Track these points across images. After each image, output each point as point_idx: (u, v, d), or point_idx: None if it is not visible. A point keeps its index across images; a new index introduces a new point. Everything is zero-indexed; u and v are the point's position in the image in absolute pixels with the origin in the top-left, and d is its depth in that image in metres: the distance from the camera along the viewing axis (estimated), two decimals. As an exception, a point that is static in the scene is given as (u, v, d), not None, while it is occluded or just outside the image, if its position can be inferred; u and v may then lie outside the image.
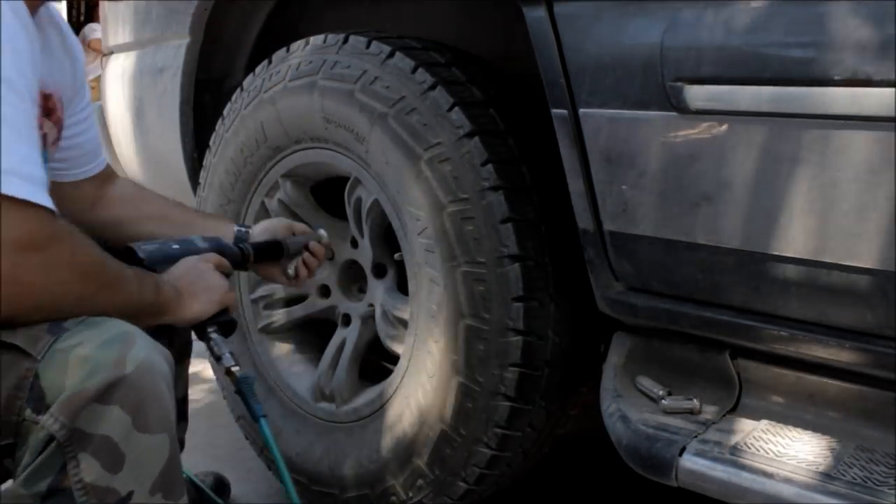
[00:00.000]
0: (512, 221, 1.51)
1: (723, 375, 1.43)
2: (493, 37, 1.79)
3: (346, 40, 1.71)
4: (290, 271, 1.63)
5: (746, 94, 1.23)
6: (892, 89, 1.09)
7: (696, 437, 1.34)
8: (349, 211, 1.78)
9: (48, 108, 1.34)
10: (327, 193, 1.89)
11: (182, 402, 1.53)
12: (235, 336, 1.90)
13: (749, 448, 1.30)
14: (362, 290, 1.87)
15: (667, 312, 1.41)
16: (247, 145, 1.87)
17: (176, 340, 1.42)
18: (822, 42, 1.16)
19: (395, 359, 1.72)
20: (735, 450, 1.30)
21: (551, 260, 1.55)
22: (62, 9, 6.78)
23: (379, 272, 1.80)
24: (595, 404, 1.53)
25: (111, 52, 2.54)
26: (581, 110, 1.38)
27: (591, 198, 1.41)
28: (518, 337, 1.52)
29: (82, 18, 7.25)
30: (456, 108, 1.54)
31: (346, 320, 1.87)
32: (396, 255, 1.71)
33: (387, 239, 1.75)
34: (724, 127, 1.25)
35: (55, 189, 1.18)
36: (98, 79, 2.68)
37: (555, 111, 1.41)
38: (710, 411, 1.41)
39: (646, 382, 1.48)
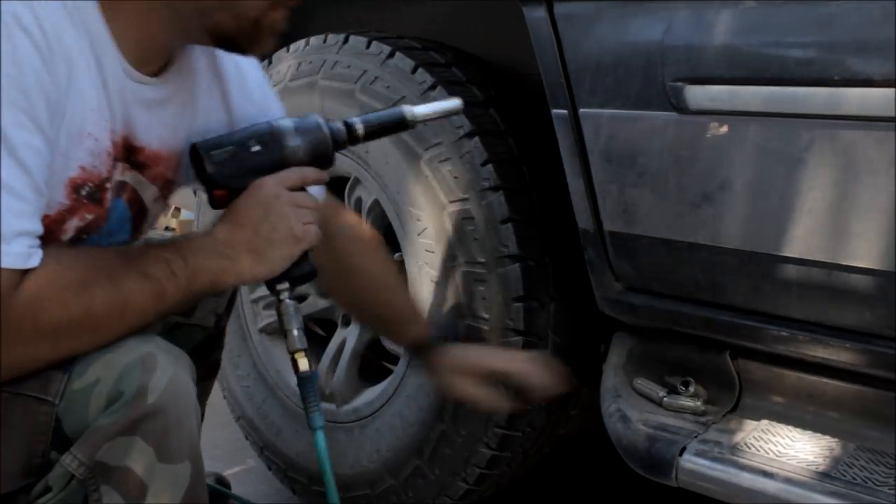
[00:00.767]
0: (512, 221, 1.51)
1: (723, 375, 1.43)
2: (493, 37, 1.79)
3: (346, 40, 1.71)
4: None
5: (746, 94, 1.23)
6: (893, 89, 1.09)
7: (696, 437, 1.34)
8: (349, 211, 1.78)
9: (139, 163, 1.15)
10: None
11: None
12: (235, 336, 1.91)
13: (749, 448, 1.30)
14: (363, 290, 1.87)
15: (667, 312, 1.41)
16: (247, 145, 1.86)
17: (203, 362, 1.29)
18: (822, 42, 1.16)
19: (395, 359, 1.72)
20: (735, 450, 1.30)
21: (551, 260, 1.55)
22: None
23: (379, 272, 1.80)
24: (595, 404, 1.53)
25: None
26: (581, 110, 1.38)
27: (591, 198, 1.41)
28: (518, 337, 1.52)
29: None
30: (456, 108, 1.54)
31: (346, 320, 1.86)
32: (396, 255, 1.71)
33: (387, 239, 1.75)
34: (724, 127, 1.25)
35: None
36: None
37: (555, 111, 1.41)
38: (710, 411, 1.41)
39: (646, 382, 1.48)
